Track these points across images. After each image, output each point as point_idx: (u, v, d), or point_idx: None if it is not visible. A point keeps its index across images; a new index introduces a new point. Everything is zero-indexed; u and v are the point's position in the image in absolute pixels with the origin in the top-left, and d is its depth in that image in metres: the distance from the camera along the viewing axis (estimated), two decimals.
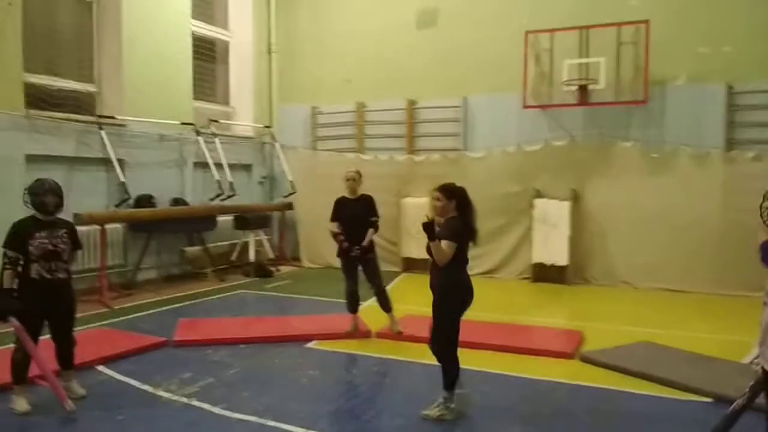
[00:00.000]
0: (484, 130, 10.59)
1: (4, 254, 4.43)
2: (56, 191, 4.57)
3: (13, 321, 4.34)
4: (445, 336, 4.43)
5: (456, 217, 4.44)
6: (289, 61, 12.12)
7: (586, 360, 5.66)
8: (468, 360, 5.58)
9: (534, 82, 9.86)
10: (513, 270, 10.21)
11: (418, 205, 10.56)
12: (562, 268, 9.64)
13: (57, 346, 4.67)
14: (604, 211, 9.60)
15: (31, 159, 7.71)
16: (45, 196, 4.51)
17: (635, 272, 9.37)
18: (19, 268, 4.40)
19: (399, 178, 10.87)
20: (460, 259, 4.39)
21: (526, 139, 10.07)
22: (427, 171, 10.70)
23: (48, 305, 4.53)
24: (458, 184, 4.67)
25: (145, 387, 5.01)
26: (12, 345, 4.56)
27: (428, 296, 4.79)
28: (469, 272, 4.60)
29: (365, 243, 6.37)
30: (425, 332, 5.39)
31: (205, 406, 4.62)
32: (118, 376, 5.26)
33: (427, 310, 4.54)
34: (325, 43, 11.75)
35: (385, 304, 6.54)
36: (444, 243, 4.27)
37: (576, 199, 9.71)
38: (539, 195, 9.87)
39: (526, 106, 9.91)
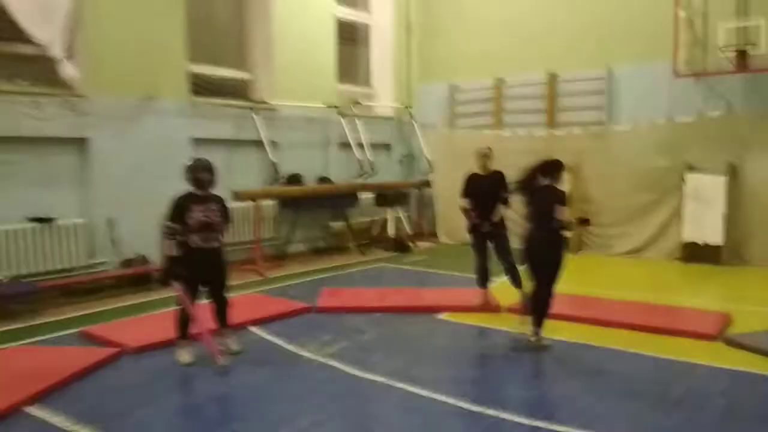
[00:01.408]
0: (631, 101, 10.08)
1: (166, 225, 5.01)
2: (210, 169, 5.12)
3: (176, 285, 4.98)
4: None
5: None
6: (428, 40, 12.29)
7: (730, 343, 5.33)
8: (604, 338, 5.54)
9: (686, 48, 9.19)
10: (661, 249, 9.67)
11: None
12: (716, 248, 8.98)
13: (214, 307, 5.28)
14: (766, 187, 8.79)
15: (196, 141, 8.61)
16: (200, 173, 5.07)
17: None
18: (178, 238, 4.98)
19: (538, 154, 10.56)
20: None
21: (677, 110, 9.44)
22: (568, 146, 10.39)
23: (204, 271, 5.12)
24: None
25: (290, 347, 5.52)
26: (175, 307, 5.22)
27: (566, 273, 4.95)
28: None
29: (495, 219, 6.41)
30: (557, 308, 5.44)
31: (341, 365, 5.01)
32: (268, 336, 5.84)
33: (562, 287, 4.65)
34: (464, 18, 11.75)
35: (516, 280, 6.54)
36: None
37: (733, 173, 8.96)
38: (691, 170, 9.23)
39: (677, 75, 9.27)
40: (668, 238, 9.62)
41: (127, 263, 7.86)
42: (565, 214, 5.13)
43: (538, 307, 5.30)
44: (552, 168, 5.37)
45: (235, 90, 9.74)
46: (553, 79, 10.87)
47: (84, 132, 7.53)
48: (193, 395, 4.80)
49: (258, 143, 9.57)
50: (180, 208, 5.00)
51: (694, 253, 9.16)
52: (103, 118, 7.65)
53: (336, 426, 4.04)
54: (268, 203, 9.68)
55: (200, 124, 8.77)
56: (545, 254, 5.21)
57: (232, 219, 5.53)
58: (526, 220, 5.42)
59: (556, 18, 10.64)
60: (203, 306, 5.22)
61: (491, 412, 4.07)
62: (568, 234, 5.23)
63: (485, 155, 6.56)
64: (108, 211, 7.73)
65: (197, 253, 5.04)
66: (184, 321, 5.12)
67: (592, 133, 10.28)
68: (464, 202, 6.53)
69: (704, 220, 9.05)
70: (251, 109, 9.48)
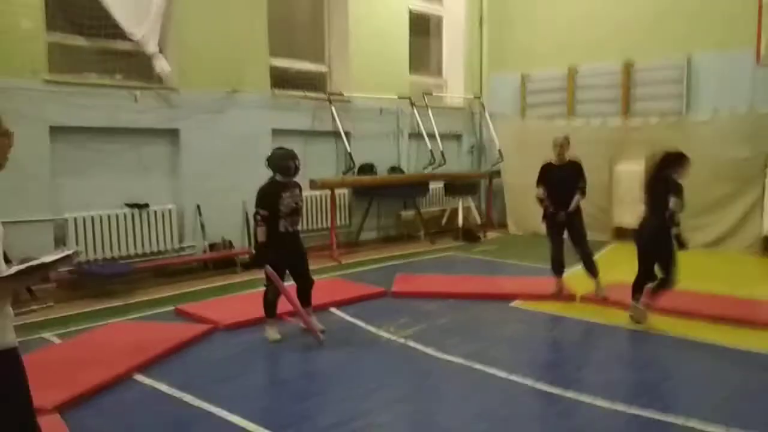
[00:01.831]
0: (710, 90, 9.80)
1: (257, 213, 5.33)
2: (296, 157, 5.45)
3: (268, 269, 5.31)
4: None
5: None
6: (500, 30, 12.27)
7: None
8: (682, 328, 5.53)
9: None
10: (741, 242, 9.41)
11: (632, 172, 10.20)
12: None
13: (299, 287, 5.60)
14: None
15: (275, 132, 8.98)
16: (289, 161, 5.39)
17: None
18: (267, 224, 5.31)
19: (612, 144, 10.54)
20: None
21: (759, 99, 9.15)
22: (643, 136, 10.24)
23: (291, 254, 5.46)
24: (679, 149, 5.56)
25: (369, 327, 5.79)
26: (263, 287, 5.55)
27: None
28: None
29: (571, 208, 6.47)
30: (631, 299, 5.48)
31: (419, 346, 5.23)
32: (347, 318, 6.13)
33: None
34: (537, 7, 11.69)
35: (592, 269, 6.59)
36: None
37: None
38: None
39: (759, 63, 8.97)
40: (748, 231, 9.35)
41: (213, 247, 8.33)
42: (676, 205, 5.34)
43: (660, 289, 5.60)
44: (674, 160, 5.56)
45: (313, 83, 10.07)
46: (628, 67, 10.68)
47: (175, 123, 8.01)
48: (280, 369, 5.13)
49: (333, 134, 9.88)
50: (272, 196, 5.31)
51: None
52: (191, 110, 8.11)
53: (415, 402, 4.27)
54: (343, 192, 9.99)
55: (280, 116, 9.14)
56: (654, 242, 5.54)
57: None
58: (644, 206, 5.71)
59: (632, 5, 10.45)
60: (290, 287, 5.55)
61: (569, 394, 4.19)
62: (676, 227, 5.39)
63: (561, 145, 6.60)
64: (196, 198, 8.21)
65: (286, 237, 5.36)
66: (273, 300, 5.45)
67: (670, 122, 10.08)
68: (540, 192, 6.60)
69: None
70: (327, 101, 9.79)
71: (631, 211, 10.26)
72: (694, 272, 8.22)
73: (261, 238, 5.32)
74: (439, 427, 3.92)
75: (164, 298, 6.97)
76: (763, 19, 8.84)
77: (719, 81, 9.67)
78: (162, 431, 3.88)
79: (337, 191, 9.69)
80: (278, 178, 5.40)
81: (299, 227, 5.55)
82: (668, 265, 5.52)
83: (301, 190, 5.55)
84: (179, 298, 6.89)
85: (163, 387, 4.42)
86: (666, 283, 5.56)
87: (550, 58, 11.48)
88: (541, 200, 6.61)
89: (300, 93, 9.61)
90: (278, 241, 5.35)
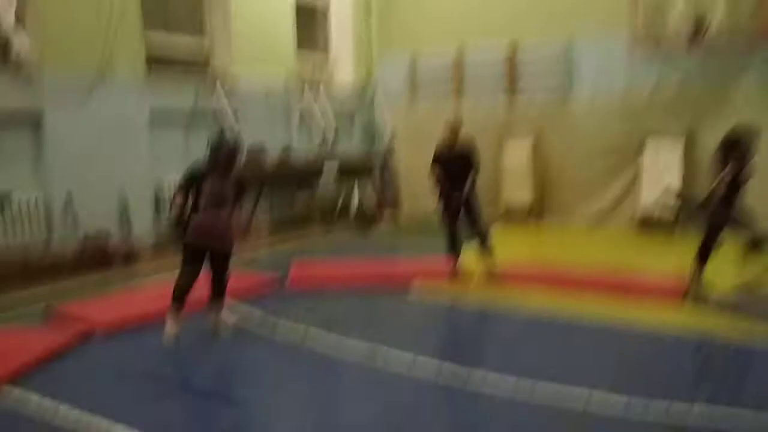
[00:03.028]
0: (591, 71, 10.18)
1: (179, 194, 5.09)
2: (228, 144, 5.24)
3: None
4: None
5: None
6: (389, 10, 12.10)
7: (701, 303, 5.53)
8: (573, 304, 5.68)
9: (645, 20, 9.33)
10: (619, 217, 9.91)
11: (520, 151, 10.48)
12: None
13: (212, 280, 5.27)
14: None
15: (155, 114, 8.27)
16: (219, 150, 5.13)
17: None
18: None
19: (500, 123, 10.75)
20: None
21: (635, 80, 9.64)
22: (529, 115, 10.55)
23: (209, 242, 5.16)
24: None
25: (263, 321, 5.47)
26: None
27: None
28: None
29: (467, 189, 6.46)
30: (527, 278, 5.54)
31: (318, 339, 5.00)
32: (239, 311, 5.75)
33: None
34: None
35: (486, 248, 6.64)
36: None
37: (689, 144, 9.23)
38: (649, 140, 9.47)
39: (636, 45, 9.43)
40: (627, 207, 9.87)
41: (86, 240, 7.59)
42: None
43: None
44: (730, 142, 5.66)
45: (194, 61, 9.41)
46: (514, 48, 10.91)
47: (37, 106, 7.15)
48: (168, 372, 4.68)
49: (218, 115, 9.32)
50: (194, 180, 5.05)
51: (651, 222, 9.45)
52: (56, 92, 7.26)
53: (315, 404, 4.03)
54: None
55: (158, 97, 8.43)
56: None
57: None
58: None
59: None
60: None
61: (474, 383, 4.12)
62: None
63: (454, 127, 6.56)
64: (66, 187, 7.41)
65: (204, 224, 5.02)
66: (183, 287, 5.04)
67: (553, 102, 10.42)
68: (436, 173, 6.53)
69: (661, 190, 9.31)
70: (211, 80, 9.19)
71: (519, 190, 10.68)
72: (580, 249, 8.68)
73: (176, 217, 5.06)
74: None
75: (31, 297, 6.25)
76: (639, 4, 9.28)
77: (599, 62, 10.07)
78: None
79: None
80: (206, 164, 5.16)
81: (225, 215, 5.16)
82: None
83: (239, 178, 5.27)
84: (49, 296, 6.20)
85: (35, 398, 3.90)
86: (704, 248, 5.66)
87: (440, 38, 11.49)
88: (438, 182, 6.55)
89: (180, 71, 8.95)
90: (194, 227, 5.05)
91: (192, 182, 5.06)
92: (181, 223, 5.01)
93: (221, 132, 5.39)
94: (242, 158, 5.31)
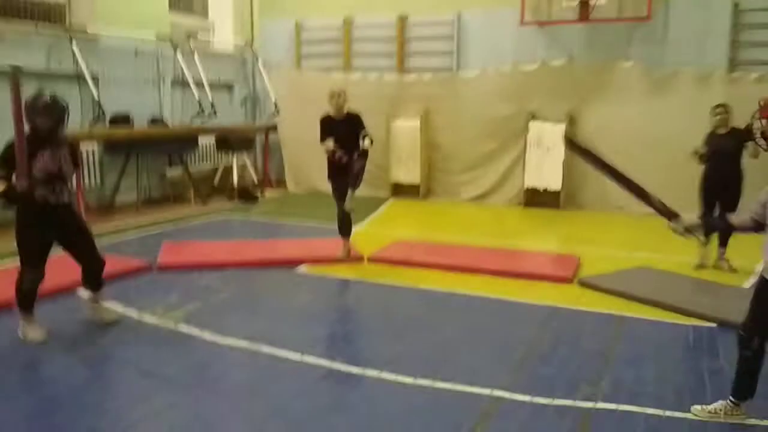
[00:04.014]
0: (478, 48, 10.13)
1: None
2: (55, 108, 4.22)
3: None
4: None
5: None
6: None
7: (586, 285, 5.52)
8: (465, 284, 5.47)
9: None
10: (505, 195, 9.98)
11: (409, 128, 10.22)
12: (555, 194, 9.44)
13: (85, 270, 4.58)
14: (601, 134, 9.22)
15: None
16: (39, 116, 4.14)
17: (630, 198, 9.14)
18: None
19: (388, 100, 10.41)
20: None
21: (522, 58, 9.65)
22: (418, 92, 10.30)
23: (61, 229, 4.36)
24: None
25: (129, 311, 4.78)
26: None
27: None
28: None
29: (366, 146, 5.93)
30: (417, 257, 5.22)
31: (194, 330, 4.42)
32: (100, 300, 4.99)
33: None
34: None
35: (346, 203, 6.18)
36: None
37: (572, 122, 9.38)
38: (534, 117, 9.54)
39: (523, 23, 9.41)
40: (511, 184, 9.94)
41: None
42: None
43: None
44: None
45: (48, 13, 8.22)
46: (403, 21, 10.58)
47: None
48: (23, 373, 3.89)
49: (77, 77, 8.23)
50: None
51: (535, 198, 9.57)
52: None
53: (193, 404, 3.48)
54: (91, 146, 8.43)
55: (4, 53, 7.28)
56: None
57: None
58: None
59: None
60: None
61: (370, 372, 3.76)
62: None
63: (339, 95, 6.06)
64: None
65: (48, 210, 4.21)
66: (30, 290, 4.25)
67: (441, 79, 10.23)
68: (329, 144, 5.98)
69: (545, 167, 9.44)
70: (68, 37, 8.07)
71: (406, 168, 10.43)
72: (465, 226, 8.58)
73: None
74: None
75: None
76: None
77: (487, 39, 10.01)
78: None
79: (84, 146, 8.12)
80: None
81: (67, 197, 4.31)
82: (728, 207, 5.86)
83: (73, 149, 4.43)
84: None
85: None
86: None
87: (326, 6, 10.95)
88: (333, 152, 6.01)
89: (31, 24, 7.77)
90: (38, 215, 4.15)
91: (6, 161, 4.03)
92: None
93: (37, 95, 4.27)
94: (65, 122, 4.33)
